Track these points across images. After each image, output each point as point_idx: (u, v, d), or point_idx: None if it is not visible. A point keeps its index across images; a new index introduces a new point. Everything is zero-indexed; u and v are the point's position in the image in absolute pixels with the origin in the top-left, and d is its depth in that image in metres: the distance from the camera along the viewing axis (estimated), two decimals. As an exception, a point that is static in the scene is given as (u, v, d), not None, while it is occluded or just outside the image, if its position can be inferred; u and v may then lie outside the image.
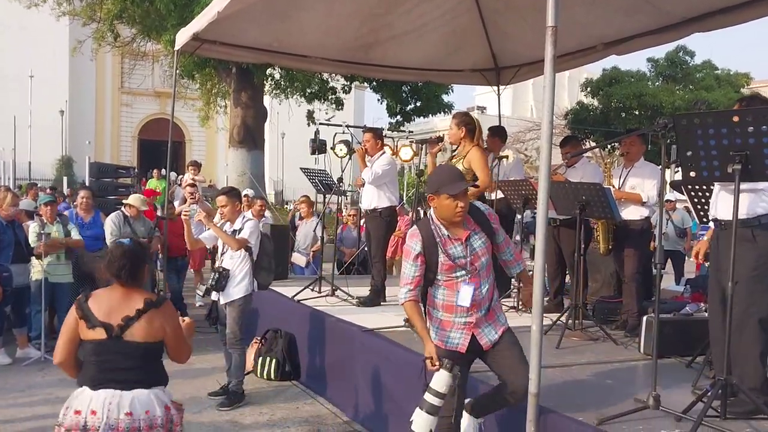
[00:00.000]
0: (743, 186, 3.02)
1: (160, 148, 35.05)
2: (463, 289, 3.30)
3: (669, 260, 10.90)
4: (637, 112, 24.71)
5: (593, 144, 25.32)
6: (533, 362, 2.58)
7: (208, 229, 5.42)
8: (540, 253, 2.91)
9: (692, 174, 3.07)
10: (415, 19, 7.10)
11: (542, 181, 2.70)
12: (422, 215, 15.04)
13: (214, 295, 5.40)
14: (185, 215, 5.41)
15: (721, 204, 3.49)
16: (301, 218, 10.34)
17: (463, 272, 3.31)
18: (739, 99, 3.56)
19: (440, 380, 3.14)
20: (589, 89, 25.95)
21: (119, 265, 2.93)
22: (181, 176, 18.55)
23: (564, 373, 4.18)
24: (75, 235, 6.91)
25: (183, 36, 7.06)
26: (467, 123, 5.30)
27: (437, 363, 3.18)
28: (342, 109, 18.69)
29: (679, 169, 3.35)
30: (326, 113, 18.40)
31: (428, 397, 3.15)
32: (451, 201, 3.22)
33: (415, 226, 3.44)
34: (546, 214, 2.82)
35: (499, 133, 6.88)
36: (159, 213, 8.24)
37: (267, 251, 5.51)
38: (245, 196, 11.20)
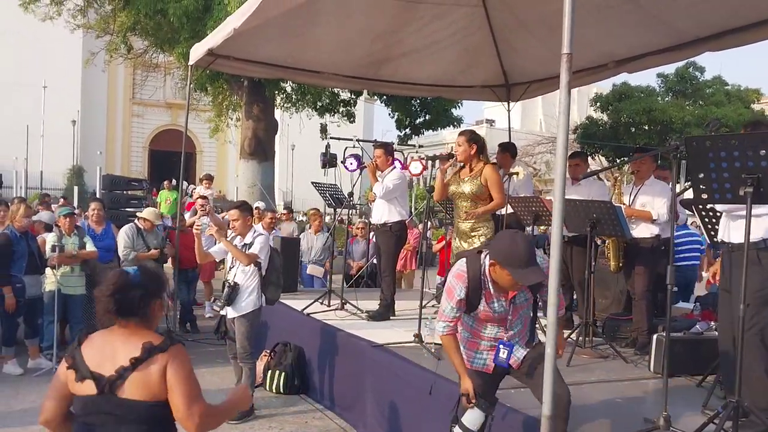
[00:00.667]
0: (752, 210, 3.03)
1: (171, 158, 35.21)
2: (500, 350, 3.24)
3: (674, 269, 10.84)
4: (646, 128, 24.69)
5: (602, 159, 25.34)
6: (547, 384, 2.59)
7: (219, 242, 5.45)
8: (554, 272, 2.91)
9: (704, 196, 3.09)
10: (426, 36, 7.16)
11: (557, 202, 2.72)
12: (430, 226, 14.99)
13: (222, 309, 5.42)
14: (197, 229, 5.44)
15: (728, 226, 3.52)
16: (310, 227, 10.41)
17: (497, 323, 3.27)
18: (744, 124, 3.59)
19: (473, 418, 3.06)
20: (598, 104, 25.97)
21: (113, 299, 2.29)
22: (192, 187, 18.65)
23: (574, 392, 4.13)
24: (90, 246, 6.97)
25: (198, 51, 7.15)
26: (477, 140, 5.32)
27: (473, 401, 3.09)
28: (353, 122, 18.77)
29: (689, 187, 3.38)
30: (338, 126, 18.48)
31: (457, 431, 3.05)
32: (513, 280, 3.05)
33: (464, 266, 3.24)
34: (560, 235, 2.83)
35: (509, 148, 6.95)
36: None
37: (276, 266, 5.53)
38: (256, 208, 11.27)
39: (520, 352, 3.30)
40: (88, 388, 2.24)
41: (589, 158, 9.73)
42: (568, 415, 3.12)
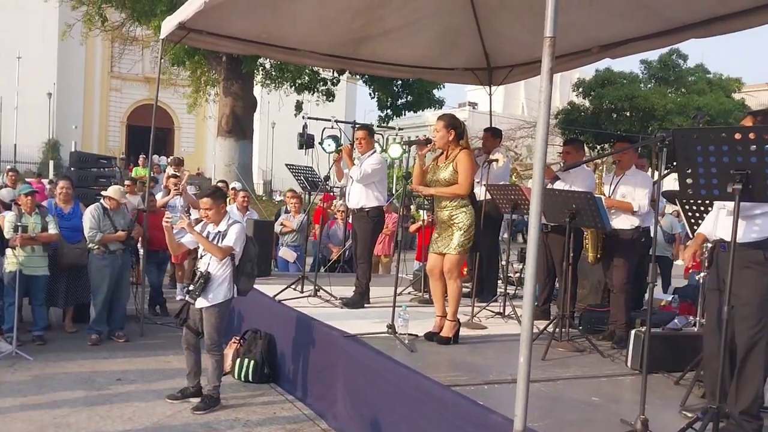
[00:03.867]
0: (757, 209, 2.90)
1: (149, 134, 34.50)
2: None
3: (657, 266, 10.82)
4: (628, 114, 24.67)
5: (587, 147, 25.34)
6: (520, 398, 2.43)
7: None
8: (531, 260, 2.75)
9: (690, 191, 2.94)
10: (408, 15, 6.96)
11: (535, 190, 2.56)
12: (410, 213, 14.81)
13: (195, 301, 5.15)
14: (166, 221, 5.13)
15: (729, 225, 3.37)
16: (287, 211, 10.17)
17: None
18: (753, 113, 3.40)
19: None
20: (581, 89, 25.88)
21: None
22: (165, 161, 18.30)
23: (549, 388, 4.06)
24: (52, 228, 6.70)
25: (169, 24, 6.87)
26: (455, 126, 5.09)
27: None
28: (333, 101, 18.50)
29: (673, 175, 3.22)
30: (317, 104, 18.20)
31: None
32: None
33: None
34: (539, 224, 2.68)
35: (497, 133, 7.05)
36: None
37: (250, 256, 5.28)
38: (232, 188, 11.02)
39: None
40: None
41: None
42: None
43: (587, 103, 25.84)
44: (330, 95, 18.41)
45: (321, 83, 18.03)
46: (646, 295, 7.41)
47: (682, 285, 7.88)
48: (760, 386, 3.29)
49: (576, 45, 7.01)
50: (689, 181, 2.93)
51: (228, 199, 10.34)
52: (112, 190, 7.02)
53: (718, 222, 3.48)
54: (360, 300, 6.34)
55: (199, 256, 5.30)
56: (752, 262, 3.23)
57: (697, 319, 5.19)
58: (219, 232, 5.15)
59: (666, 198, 5.98)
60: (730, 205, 3.37)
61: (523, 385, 2.37)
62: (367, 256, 6.51)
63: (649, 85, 26.33)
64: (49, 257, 6.84)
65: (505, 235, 9.44)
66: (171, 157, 11.42)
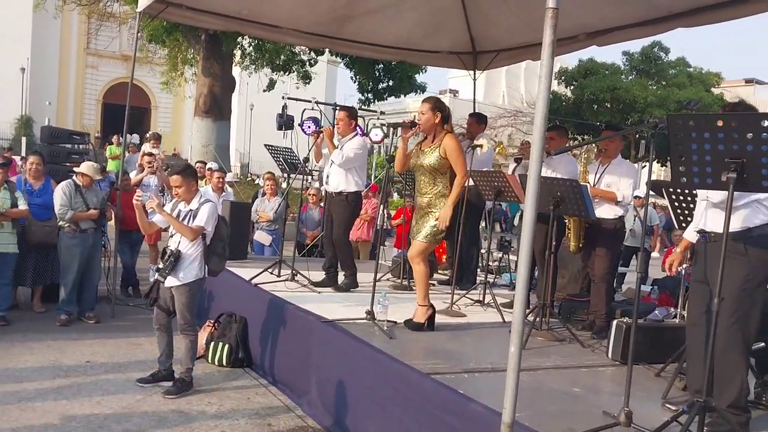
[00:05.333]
0: (740, 199, 2.82)
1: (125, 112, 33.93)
2: None
3: (634, 257, 10.86)
4: (608, 105, 24.75)
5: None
6: (509, 389, 2.34)
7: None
8: (525, 253, 2.66)
9: (683, 180, 2.85)
10: (393, -6, 6.81)
11: (532, 177, 2.46)
12: (390, 198, 14.69)
13: (165, 280, 5.00)
14: (137, 200, 4.96)
15: (711, 215, 3.31)
16: (263, 195, 9.98)
17: None
18: (724, 105, 3.37)
19: None
20: (563, 78, 25.89)
21: None
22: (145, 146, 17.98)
23: (529, 378, 3.98)
24: (22, 204, 6.47)
25: (146, -3, 6.64)
26: (441, 109, 4.97)
27: None
28: (309, 83, 18.25)
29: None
30: (297, 87, 17.97)
31: None
32: None
33: None
34: (534, 214, 2.60)
35: (483, 119, 6.98)
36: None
37: (222, 236, 5.12)
38: (209, 169, 10.79)
39: None
40: None
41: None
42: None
43: (569, 93, 25.87)
44: (307, 77, 18.15)
45: (299, 64, 17.78)
46: (624, 286, 7.42)
47: (660, 276, 7.87)
48: (744, 378, 3.24)
49: (563, 31, 6.89)
50: (682, 169, 2.84)
51: (204, 180, 10.14)
52: (85, 167, 6.79)
53: (698, 213, 3.42)
54: (353, 282, 6.30)
55: (169, 235, 5.14)
56: (732, 253, 3.17)
57: (678, 310, 5.18)
58: (190, 210, 4.98)
59: (653, 189, 5.93)
60: (714, 196, 3.32)
61: (513, 375, 2.28)
62: (345, 238, 6.43)
63: (630, 77, 26.43)
64: (17, 234, 6.62)
65: (483, 224, 9.38)
66: (149, 133, 11.05)
